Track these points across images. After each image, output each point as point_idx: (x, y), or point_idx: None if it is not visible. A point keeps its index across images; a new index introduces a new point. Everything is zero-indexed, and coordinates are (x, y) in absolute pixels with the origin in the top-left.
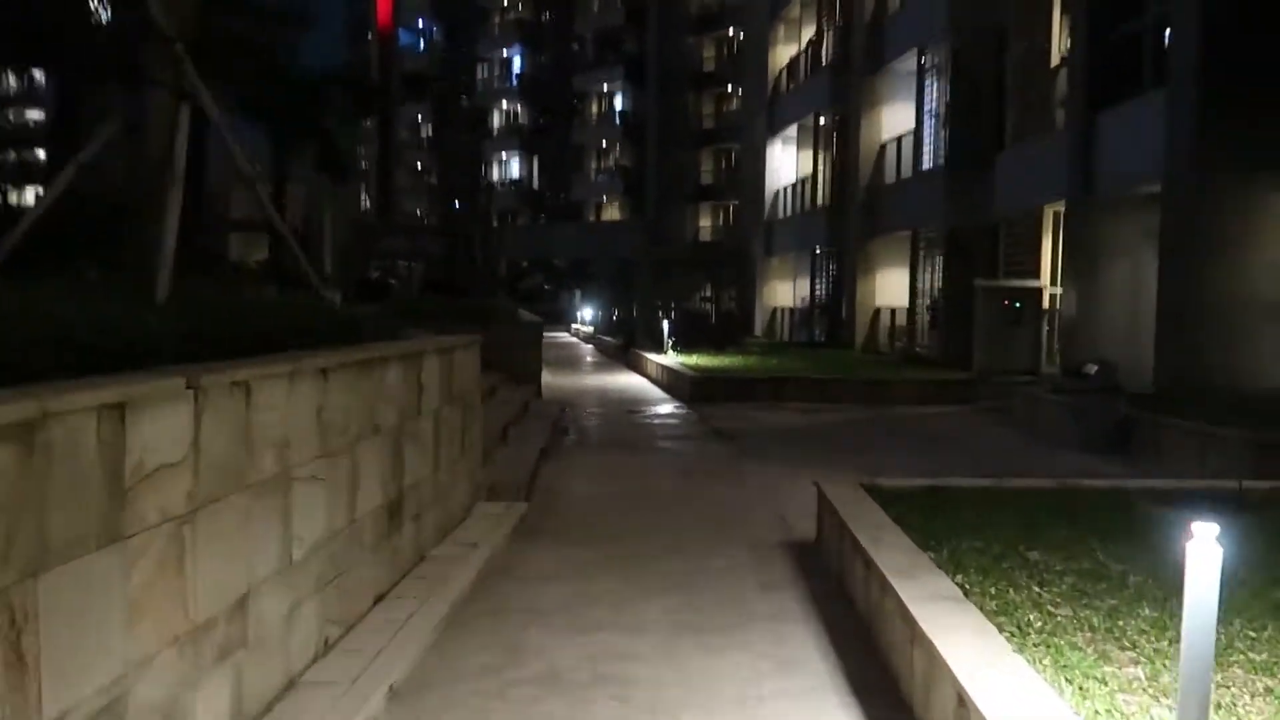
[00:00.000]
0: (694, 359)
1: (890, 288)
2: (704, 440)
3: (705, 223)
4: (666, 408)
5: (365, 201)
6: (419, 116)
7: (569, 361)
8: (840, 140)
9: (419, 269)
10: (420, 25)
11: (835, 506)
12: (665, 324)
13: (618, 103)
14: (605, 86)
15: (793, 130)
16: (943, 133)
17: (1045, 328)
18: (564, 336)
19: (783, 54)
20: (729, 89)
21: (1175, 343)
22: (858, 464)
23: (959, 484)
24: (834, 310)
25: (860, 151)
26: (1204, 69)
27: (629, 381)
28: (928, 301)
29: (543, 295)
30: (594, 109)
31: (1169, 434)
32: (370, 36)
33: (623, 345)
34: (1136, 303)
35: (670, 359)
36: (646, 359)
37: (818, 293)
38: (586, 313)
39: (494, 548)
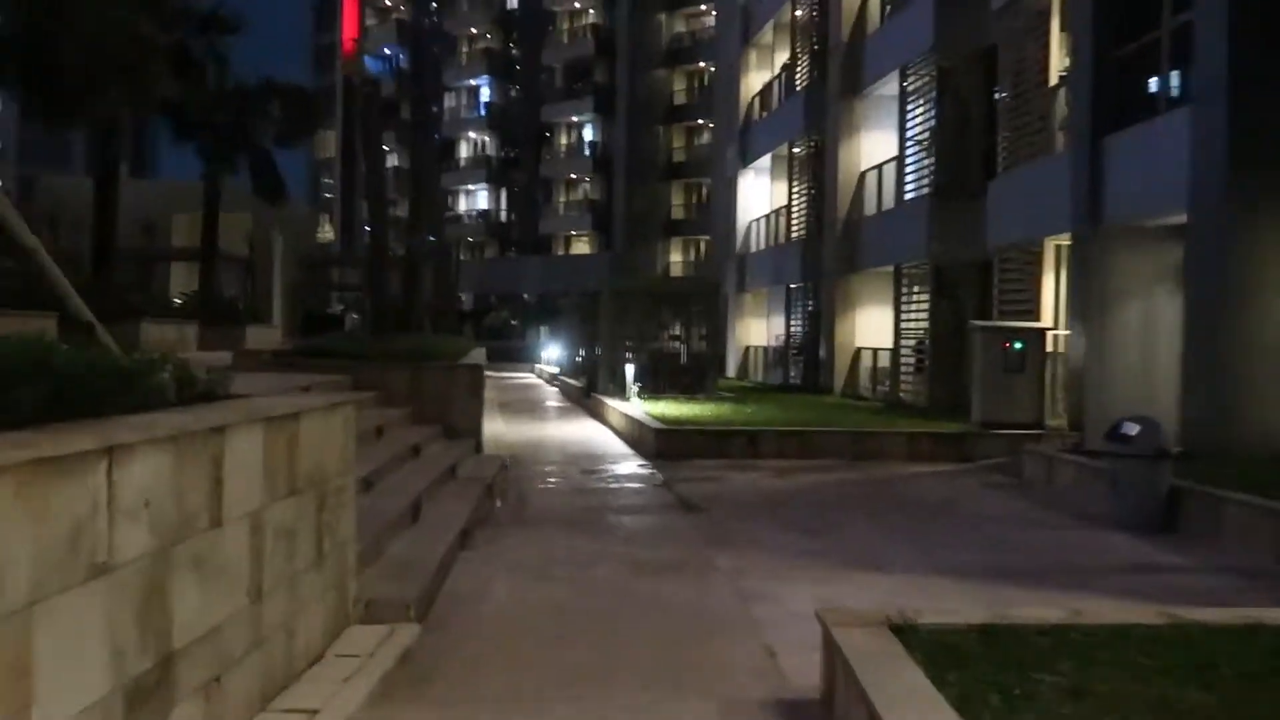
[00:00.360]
0: (660, 406)
1: (872, 327)
2: (667, 513)
3: (676, 258)
4: (627, 466)
5: (328, 231)
6: (384, 146)
7: (527, 406)
8: (816, 169)
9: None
10: (387, 52)
11: (853, 666)
12: (629, 366)
13: (587, 134)
14: (575, 118)
15: (765, 160)
16: (927, 159)
17: (1049, 375)
18: (528, 377)
19: (755, 81)
20: (700, 122)
21: (1203, 396)
22: (851, 551)
23: (1023, 618)
24: (811, 350)
25: (838, 180)
26: (1235, 86)
27: (588, 432)
28: (913, 343)
29: (509, 331)
30: (563, 141)
31: (1230, 511)
32: (338, 62)
33: (584, 389)
34: (1154, 348)
35: (634, 406)
36: (608, 406)
37: (793, 331)
38: (552, 351)
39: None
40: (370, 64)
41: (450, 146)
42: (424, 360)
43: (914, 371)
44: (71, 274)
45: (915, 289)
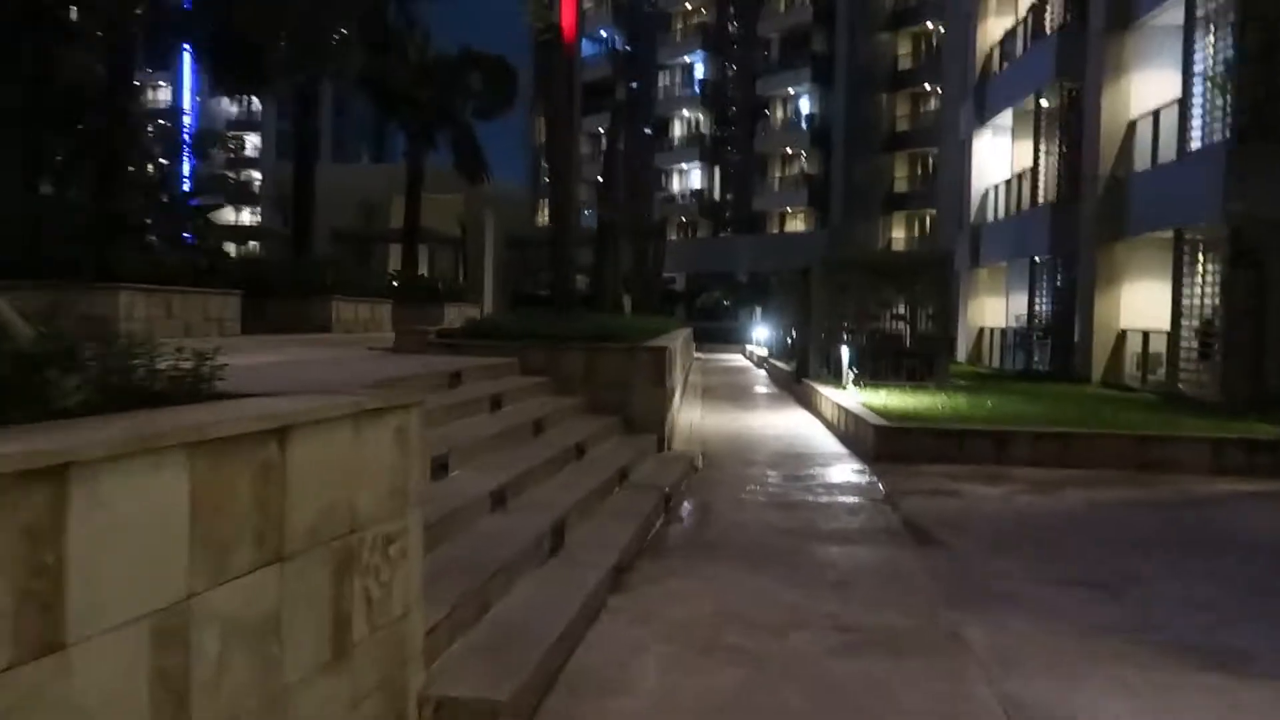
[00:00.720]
0: (882, 397)
1: (1140, 304)
2: (891, 544)
3: (899, 234)
4: (840, 471)
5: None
6: (599, 129)
7: (730, 392)
8: (1071, 122)
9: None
10: (603, 34)
11: None
12: (844, 349)
13: (804, 107)
14: (791, 90)
15: (1006, 117)
16: (1223, 99)
17: None
18: (737, 360)
19: (994, 29)
20: (926, 87)
21: None
22: (1173, 626)
23: None
24: (1061, 332)
25: (1100, 132)
26: None
27: (796, 424)
28: (1196, 323)
29: (721, 312)
30: (779, 114)
31: None
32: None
33: (794, 374)
34: None
35: (850, 396)
36: (820, 394)
37: (1038, 310)
38: (762, 332)
39: None
40: (587, 46)
41: (664, 125)
42: (603, 341)
43: (1198, 358)
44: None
45: (1203, 257)
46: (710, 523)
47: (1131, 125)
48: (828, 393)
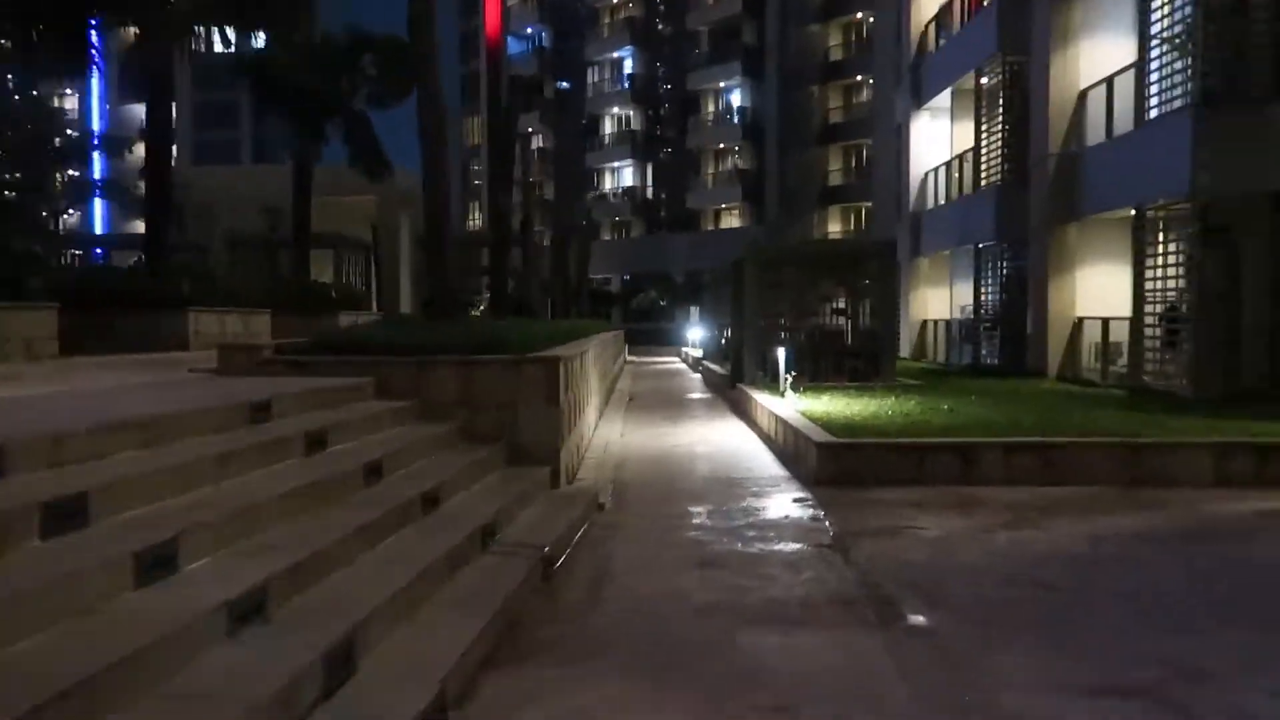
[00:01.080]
0: (824, 402)
1: (1098, 291)
2: (844, 628)
3: (835, 227)
4: (777, 504)
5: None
6: (529, 129)
7: (661, 401)
8: (1014, 98)
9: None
10: (529, 32)
11: None
12: (780, 351)
13: (736, 101)
14: (722, 84)
15: (944, 98)
16: (1184, 61)
17: None
18: (672, 362)
19: (929, 5)
20: (859, 78)
21: None
22: None
23: None
24: (1011, 323)
25: (1049, 106)
26: None
27: (730, 439)
28: (1161, 310)
29: (657, 313)
30: (710, 109)
31: None
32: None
33: (728, 378)
34: None
35: (788, 404)
36: (755, 402)
37: (985, 300)
38: (697, 333)
39: None
40: (513, 44)
41: (594, 123)
42: (483, 352)
43: (1163, 347)
44: None
45: (1167, 237)
46: (604, 599)
47: (1083, 96)
48: (764, 400)
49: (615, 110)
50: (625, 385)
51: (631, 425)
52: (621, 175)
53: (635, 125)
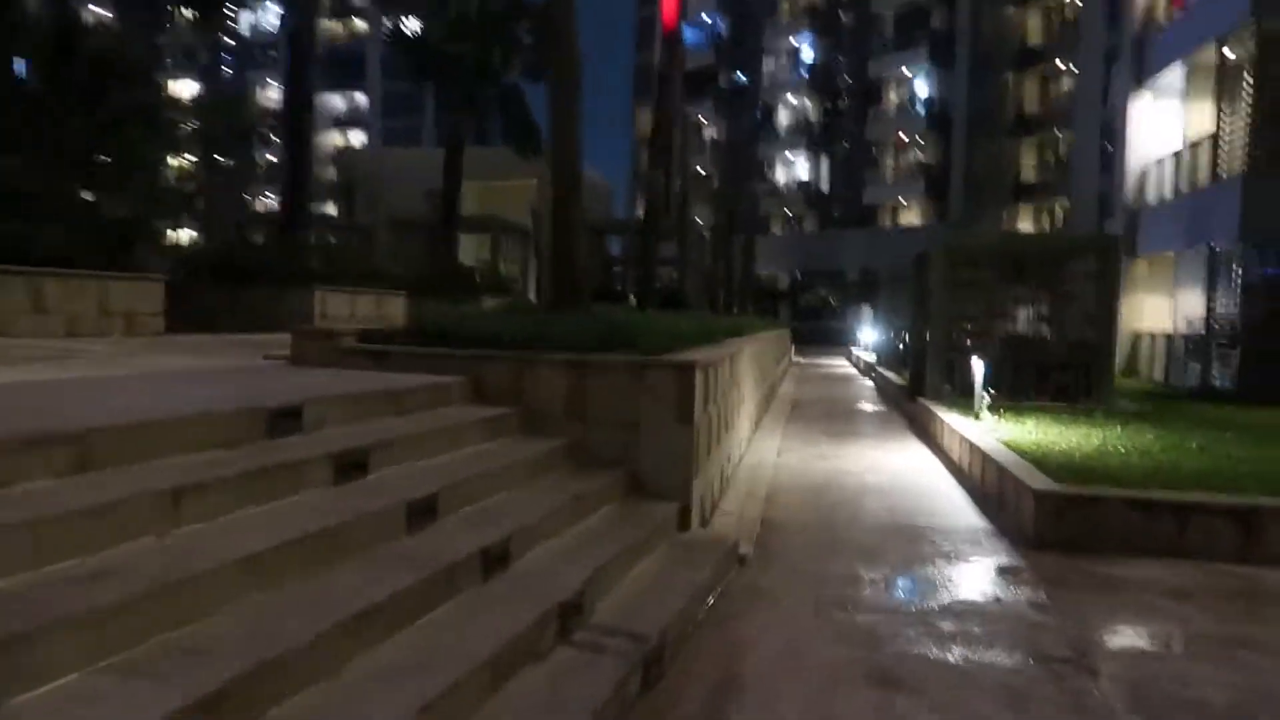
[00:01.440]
0: (1029, 428)
1: None
2: None
3: (1025, 226)
4: (979, 578)
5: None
6: (700, 117)
7: (828, 411)
8: (1270, 72)
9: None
10: (706, 20)
11: None
12: (976, 364)
13: (920, 90)
14: (906, 72)
15: (1174, 75)
16: None
17: None
18: (841, 365)
19: None
20: (1058, 66)
21: None
22: None
23: None
24: (1260, 340)
25: None
26: None
27: (909, 467)
28: None
29: (827, 311)
30: (892, 99)
31: None
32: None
33: (907, 388)
34: None
35: (984, 429)
36: (942, 423)
37: (1219, 312)
38: (870, 334)
39: None
40: (689, 33)
41: (769, 113)
42: (605, 350)
43: None
44: None
45: None
46: None
47: None
48: (953, 422)
49: (791, 99)
50: (789, 390)
51: (792, 440)
52: (795, 167)
53: (812, 115)
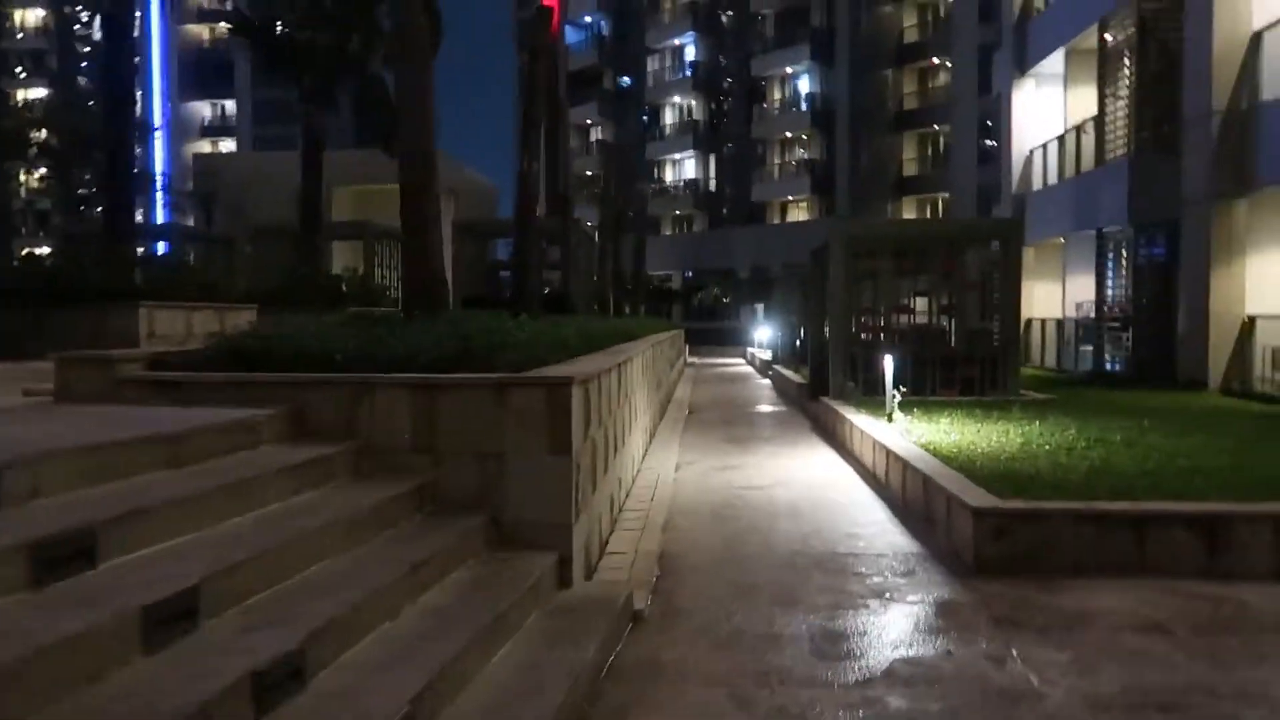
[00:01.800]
0: (943, 427)
1: (1277, 281)
2: None
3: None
4: (921, 617)
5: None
6: (586, 120)
7: (727, 415)
8: (1151, 51)
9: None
10: (588, 20)
11: None
12: (887, 358)
13: (804, 87)
14: (789, 70)
15: (1056, 60)
16: None
17: None
18: (737, 365)
19: None
20: (935, 61)
21: None
22: None
23: None
24: (1149, 323)
25: (1211, 54)
26: None
27: (820, 476)
28: None
29: (721, 311)
30: (776, 96)
31: None
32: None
33: (808, 387)
34: None
35: (896, 431)
36: (850, 424)
37: (1110, 295)
38: (765, 333)
39: None
40: (571, 34)
41: (654, 113)
42: (460, 366)
43: None
44: None
45: None
46: None
47: (1257, 38)
48: (863, 423)
49: (676, 99)
50: (684, 393)
51: (691, 451)
52: (683, 167)
53: (697, 115)
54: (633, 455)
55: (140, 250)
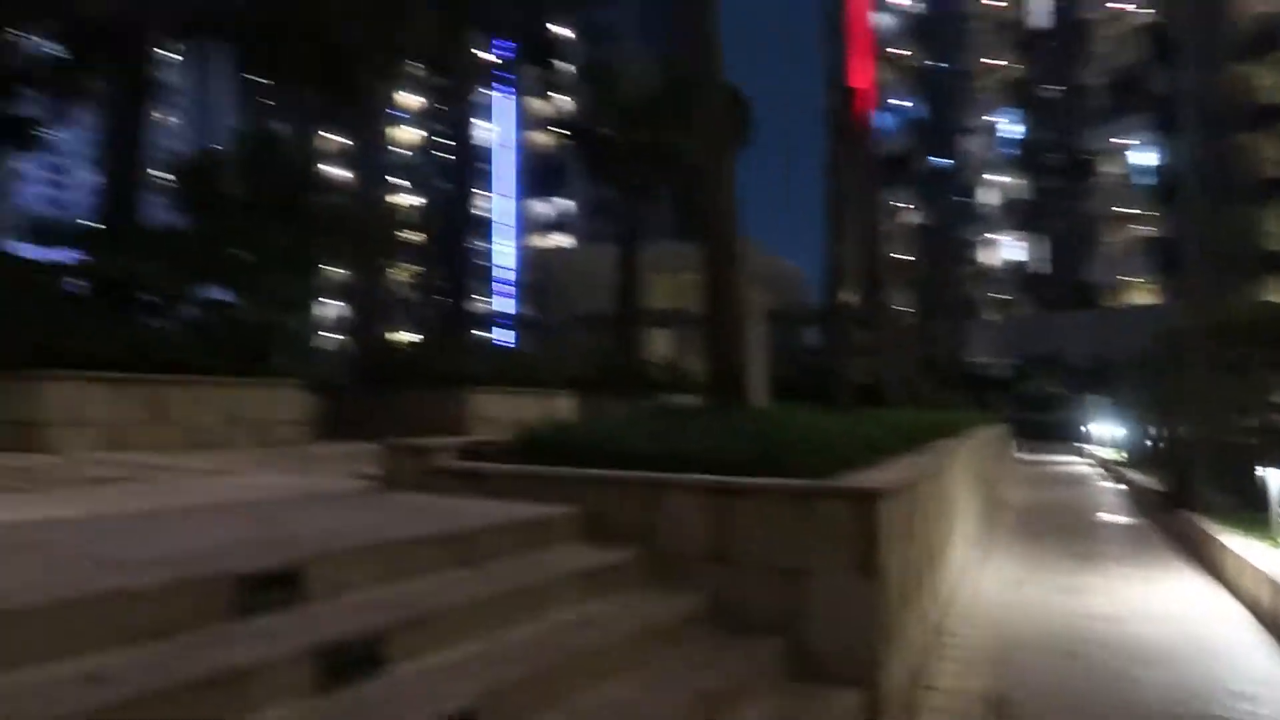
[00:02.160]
0: None
1: None
2: None
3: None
4: None
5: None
6: (900, 203)
7: (1063, 524)
8: None
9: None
10: (903, 104)
11: None
12: (1274, 472)
13: (1140, 159)
14: (1123, 140)
15: None
16: None
17: None
18: (1071, 463)
19: None
20: None
21: None
22: None
23: None
24: None
25: None
26: None
27: (1184, 607)
28: None
29: (1049, 403)
30: (1109, 170)
31: None
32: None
33: (1168, 497)
34: None
35: None
36: (1224, 547)
37: None
38: (1106, 429)
39: None
40: (882, 119)
41: (971, 193)
42: (758, 469)
43: None
44: None
45: None
46: None
47: None
48: (1241, 548)
49: (996, 178)
50: (1013, 496)
51: (1021, 567)
52: (1003, 249)
53: (1019, 193)
54: (955, 570)
55: (483, 335)
